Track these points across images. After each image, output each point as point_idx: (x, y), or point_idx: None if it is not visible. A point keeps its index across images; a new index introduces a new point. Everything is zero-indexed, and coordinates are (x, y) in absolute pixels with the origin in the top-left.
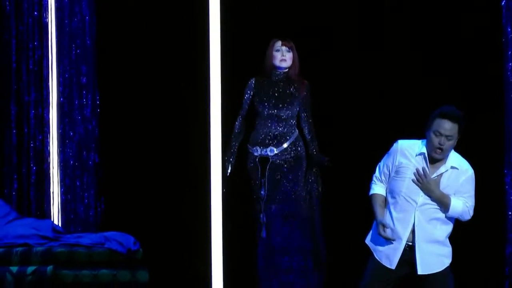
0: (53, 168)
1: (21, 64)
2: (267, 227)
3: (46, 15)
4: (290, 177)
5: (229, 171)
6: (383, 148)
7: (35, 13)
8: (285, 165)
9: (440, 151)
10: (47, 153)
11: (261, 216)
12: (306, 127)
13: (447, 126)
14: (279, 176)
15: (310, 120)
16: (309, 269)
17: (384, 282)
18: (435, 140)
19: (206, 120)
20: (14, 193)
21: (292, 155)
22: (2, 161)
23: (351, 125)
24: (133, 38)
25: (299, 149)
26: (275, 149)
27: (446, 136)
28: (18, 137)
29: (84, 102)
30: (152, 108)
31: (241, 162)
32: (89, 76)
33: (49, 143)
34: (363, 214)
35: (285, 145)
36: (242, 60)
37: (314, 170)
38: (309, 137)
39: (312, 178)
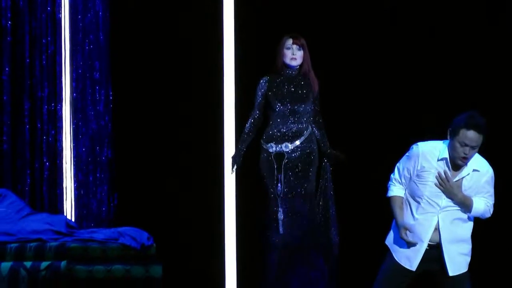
0: (66, 163)
1: (34, 59)
2: (283, 222)
3: (59, 11)
4: (305, 173)
5: (234, 170)
6: (394, 145)
7: (48, 8)
8: (300, 161)
9: (465, 159)
10: (60, 149)
11: (279, 212)
12: (316, 123)
13: (473, 137)
14: (294, 172)
15: (320, 116)
16: (323, 264)
17: (400, 281)
18: (460, 150)
19: (220, 115)
20: (27, 188)
21: (306, 150)
22: (15, 156)
23: (362, 122)
24: (146, 34)
25: (312, 145)
26: (290, 145)
27: (472, 146)
28: (31, 132)
29: (97, 98)
30: (165, 103)
31: (251, 159)
32: (102, 71)
33: (62, 138)
34: (375, 210)
35: (299, 141)
36: (256, 56)
37: (327, 166)
38: (320, 133)
39: (326, 174)
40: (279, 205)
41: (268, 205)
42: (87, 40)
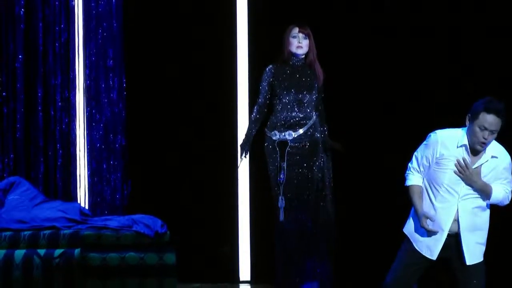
0: (79, 151)
1: (47, 47)
2: (285, 210)
3: None
4: (307, 161)
5: (243, 157)
6: (395, 137)
7: None
8: (303, 149)
9: (484, 144)
10: (73, 136)
11: (280, 200)
12: (318, 113)
13: (493, 121)
14: (297, 160)
15: (323, 106)
16: (325, 251)
17: (419, 267)
18: (480, 134)
19: (233, 102)
20: (40, 176)
21: (309, 139)
22: (29, 143)
23: (365, 113)
24: (160, 21)
25: (315, 133)
26: (293, 133)
27: (491, 131)
28: (45, 120)
29: (111, 85)
30: (179, 91)
31: (260, 147)
32: (116, 59)
33: (76, 126)
34: (374, 199)
35: (303, 129)
36: (270, 45)
37: (327, 154)
38: (321, 122)
39: (324, 163)
40: (281, 192)
41: (272, 192)
42: (100, 28)
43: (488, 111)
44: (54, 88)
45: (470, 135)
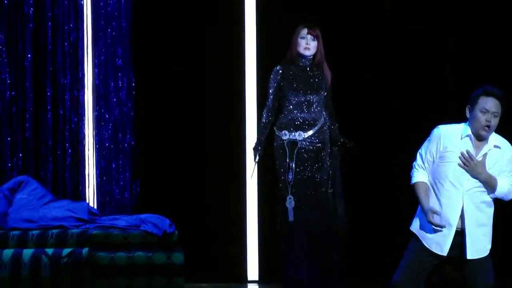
0: (88, 150)
1: (56, 46)
2: (294, 210)
3: None
4: (317, 161)
5: (256, 161)
6: (403, 136)
7: None
8: (312, 149)
9: (488, 128)
10: (82, 135)
11: (288, 199)
12: (328, 112)
13: (493, 104)
14: (306, 160)
15: (332, 105)
16: (335, 250)
17: (427, 266)
18: (483, 118)
19: (242, 103)
20: (49, 175)
21: (319, 139)
22: (38, 143)
23: (373, 112)
24: (168, 21)
25: (325, 134)
26: (303, 133)
27: (493, 113)
28: (54, 119)
29: (120, 84)
30: (188, 90)
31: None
32: (125, 58)
33: (85, 125)
34: (384, 198)
35: (313, 130)
36: (278, 46)
37: (337, 154)
38: (331, 122)
39: (335, 162)
40: (289, 192)
41: (280, 192)
42: (109, 27)
43: (487, 94)
44: (63, 87)
45: (473, 122)
